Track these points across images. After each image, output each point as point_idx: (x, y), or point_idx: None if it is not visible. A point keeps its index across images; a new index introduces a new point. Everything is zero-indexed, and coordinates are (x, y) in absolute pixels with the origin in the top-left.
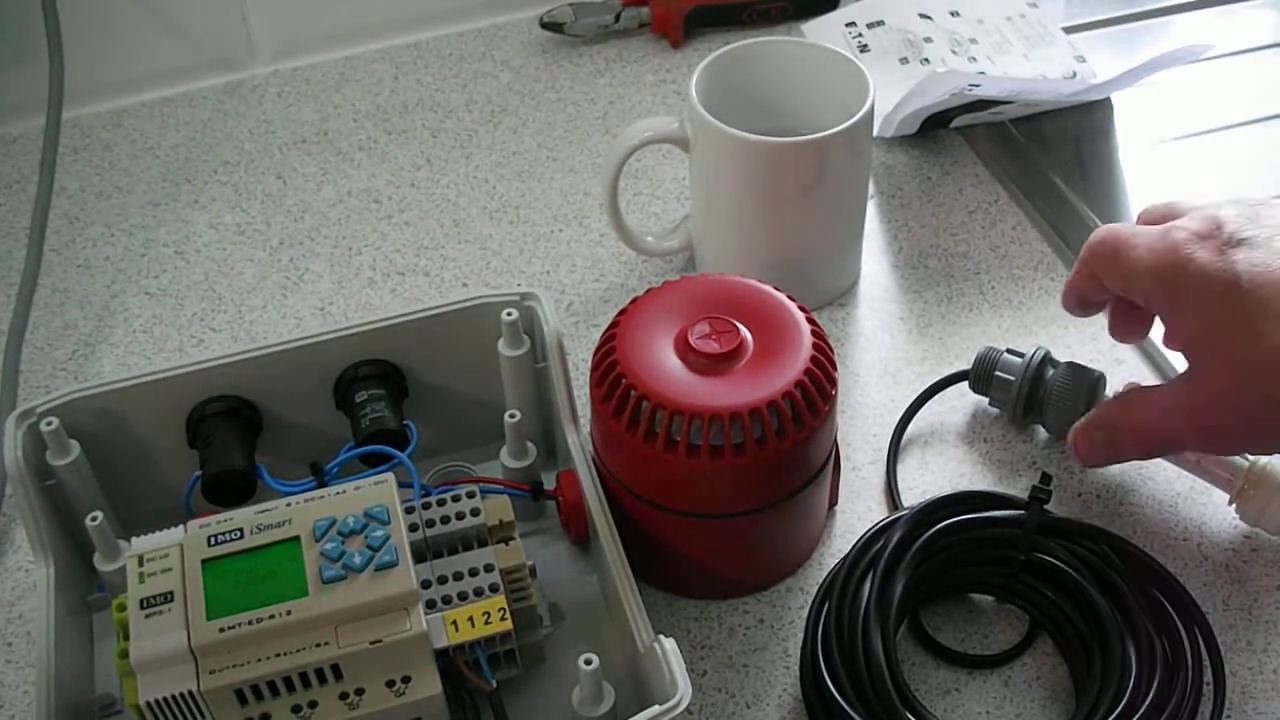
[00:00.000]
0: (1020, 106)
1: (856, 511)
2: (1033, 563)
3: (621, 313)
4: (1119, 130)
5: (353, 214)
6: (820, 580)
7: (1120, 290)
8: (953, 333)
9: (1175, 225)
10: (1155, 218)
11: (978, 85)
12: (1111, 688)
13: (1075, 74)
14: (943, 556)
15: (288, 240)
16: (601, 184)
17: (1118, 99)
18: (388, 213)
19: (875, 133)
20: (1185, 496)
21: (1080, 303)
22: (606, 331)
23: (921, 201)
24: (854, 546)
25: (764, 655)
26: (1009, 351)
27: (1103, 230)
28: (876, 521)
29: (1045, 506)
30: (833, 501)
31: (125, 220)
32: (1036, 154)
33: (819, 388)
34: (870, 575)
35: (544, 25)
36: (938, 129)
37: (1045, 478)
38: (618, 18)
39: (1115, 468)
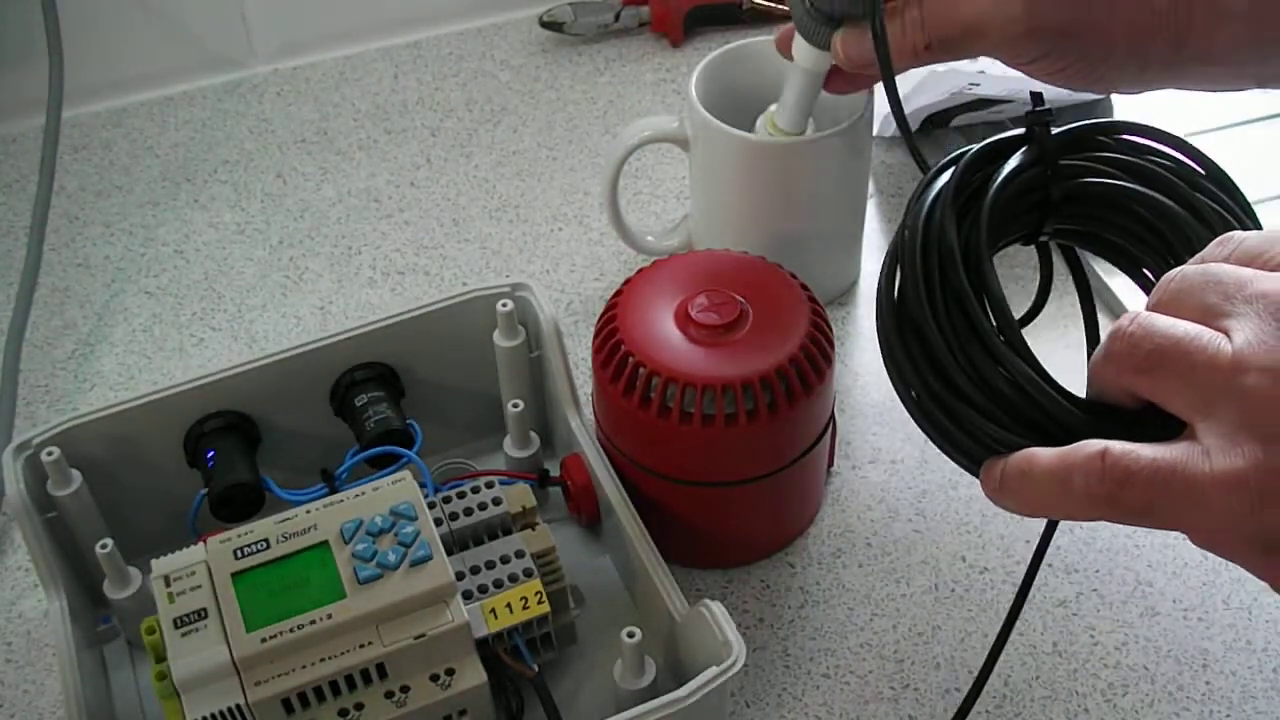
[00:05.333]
0: (1020, 106)
1: (855, 510)
2: (1066, 192)
3: (624, 285)
4: None
5: (352, 213)
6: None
7: None
8: None
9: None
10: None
11: (978, 84)
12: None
13: None
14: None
15: (288, 239)
16: (601, 183)
17: (1117, 98)
18: (387, 212)
19: (875, 132)
20: None
21: None
22: (609, 301)
23: None
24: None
25: (764, 655)
26: None
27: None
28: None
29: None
30: (829, 462)
31: (125, 220)
32: None
33: (821, 351)
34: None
35: (544, 24)
36: (938, 128)
37: (1037, 97)
38: (617, 17)
39: None
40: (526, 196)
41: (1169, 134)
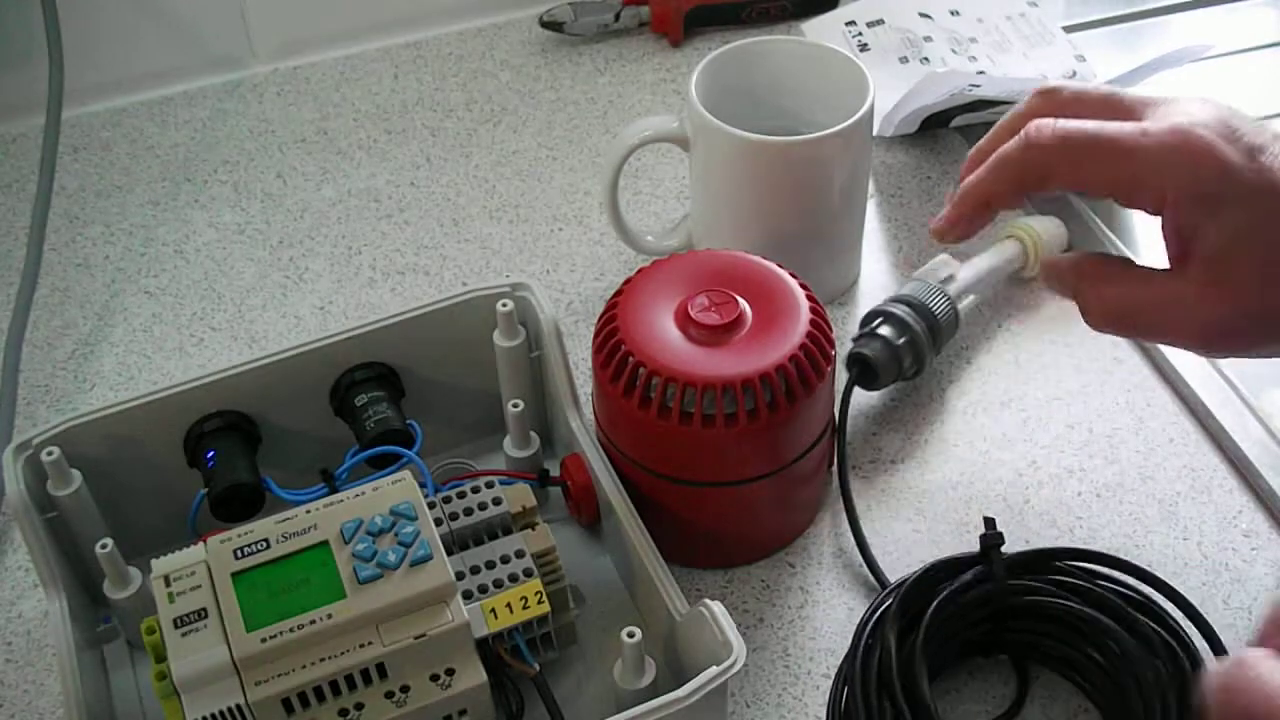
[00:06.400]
0: None
1: (855, 510)
2: (1015, 608)
3: (624, 285)
4: None
5: (353, 213)
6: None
7: (1112, 189)
8: None
9: (1193, 124)
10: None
11: (978, 85)
12: (1134, 696)
13: (1075, 74)
14: (931, 639)
15: (288, 239)
16: (601, 183)
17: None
18: (387, 212)
19: (875, 132)
20: (1185, 496)
21: (990, 207)
22: (609, 301)
23: (921, 201)
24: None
25: (764, 654)
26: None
27: (1073, 126)
28: (859, 630)
29: (1001, 549)
30: (829, 462)
31: (125, 219)
32: None
33: (821, 351)
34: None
35: (544, 24)
36: (938, 128)
37: (989, 522)
38: (617, 17)
39: (1115, 469)
40: (526, 196)
41: (1119, 559)
